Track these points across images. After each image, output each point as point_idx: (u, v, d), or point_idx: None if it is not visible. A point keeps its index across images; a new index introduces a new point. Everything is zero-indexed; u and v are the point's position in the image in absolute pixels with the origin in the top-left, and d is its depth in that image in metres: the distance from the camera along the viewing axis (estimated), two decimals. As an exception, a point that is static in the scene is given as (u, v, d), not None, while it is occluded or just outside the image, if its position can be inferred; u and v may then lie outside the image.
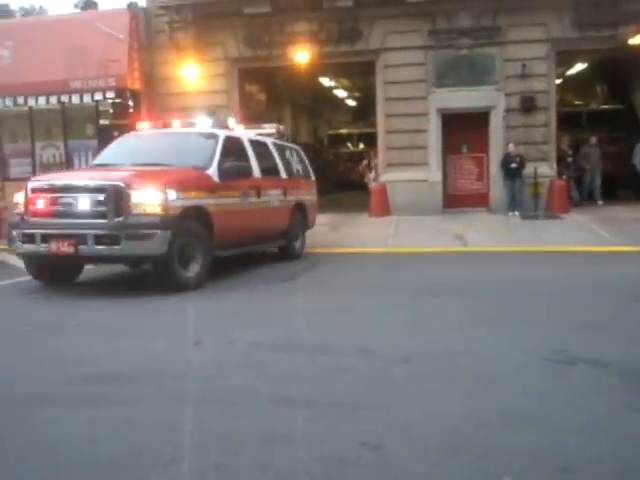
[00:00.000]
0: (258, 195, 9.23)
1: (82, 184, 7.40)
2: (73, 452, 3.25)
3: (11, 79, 15.61)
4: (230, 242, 8.38)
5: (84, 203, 7.21)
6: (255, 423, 3.53)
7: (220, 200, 8.17)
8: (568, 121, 17.85)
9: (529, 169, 15.27)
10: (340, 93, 27.71)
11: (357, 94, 27.56)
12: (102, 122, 16.75)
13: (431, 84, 16.02)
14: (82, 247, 7.02)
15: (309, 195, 11.46)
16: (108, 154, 9.23)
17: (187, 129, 9.59)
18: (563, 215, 14.68)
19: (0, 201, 15.11)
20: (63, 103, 15.99)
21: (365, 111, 25.84)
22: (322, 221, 15.16)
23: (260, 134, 10.63)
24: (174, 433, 3.43)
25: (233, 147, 9.03)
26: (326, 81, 23.94)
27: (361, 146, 27.35)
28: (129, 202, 7.02)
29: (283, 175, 10.41)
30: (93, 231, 7.03)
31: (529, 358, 4.64)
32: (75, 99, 15.78)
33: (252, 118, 18.68)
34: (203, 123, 9.68)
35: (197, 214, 7.72)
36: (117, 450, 3.27)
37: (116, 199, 7.05)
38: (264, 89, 20.64)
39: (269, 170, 9.91)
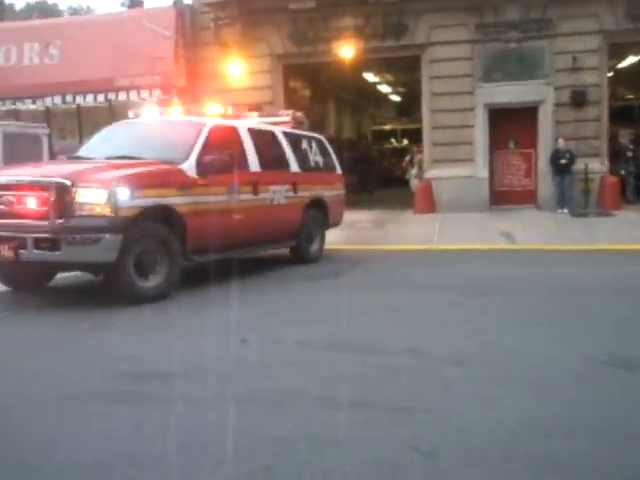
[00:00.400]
0: (255, 191, 8.25)
1: (25, 180, 6.57)
2: (120, 450, 3.23)
3: (60, 77, 15.89)
4: (213, 246, 7.44)
5: (26, 202, 6.38)
6: (304, 425, 3.46)
7: (197, 198, 7.22)
8: (620, 115, 17.37)
9: (579, 165, 14.91)
10: (384, 89, 27.53)
11: (401, 89, 27.34)
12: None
13: (478, 79, 15.75)
14: (22, 251, 6.22)
15: (332, 190, 10.39)
16: (90, 145, 8.46)
17: (176, 117, 8.79)
18: (615, 212, 14.28)
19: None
20: (110, 100, 16.21)
21: (410, 107, 25.64)
22: (365, 218, 15.08)
23: (275, 123, 9.74)
24: (222, 433, 3.37)
25: (224, 138, 8.09)
26: (370, 76, 23.80)
27: (405, 142, 27.13)
28: (73, 201, 6.16)
29: (294, 168, 9.36)
30: (33, 234, 6.21)
31: (586, 361, 4.47)
32: (122, 96, 15.99)
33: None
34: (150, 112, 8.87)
35: (162, 215, 6.82)
36: (164, 449, 3.23)
37: (59, 198, 6.18)
38: (308, 85, 20.65)
39: (274, 163, 8.97)
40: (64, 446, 3.29)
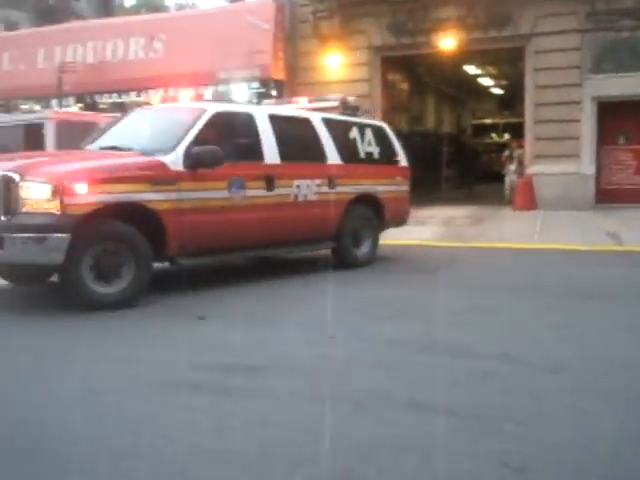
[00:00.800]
0: (269, 187, 7.36)
1: None
2: (201, 443, 3.20)
3: (163, 71, 16.35)
4: (207, 247, 6.86)
5: None
6: (386, 428, 3.31)
7: (183, 195, 6.47)
8: None
9: (697, 162, 13.94)
10: (486, 81, 26.81)
11: (503, 82, 26.54)
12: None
13: (586, 70, 15.00)
14: None
15: (390, 185, 9.18)
16: (104, 135, 7.82)
17: (184, 104, 8.06)
18: None
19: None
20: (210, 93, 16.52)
21: (512, 100, 24.87)
22: (463, 214, 14.70)
23: (320, 108, 8.85)
24: (302, 432, 3.29)
25: (231, 126, 7.35)
26: (471, 69, 23.21)
27: (506, 137, 26.35)
28: (19, 196, 5.65)
29: (332, 159, 8.30)
30: None
31: (700, 376, 4.09)
32: (222, 89, 16.26)
33: (394, 107, 18.50)
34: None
35: (130, 213, 6.14)
36: (244, 445, 3.17)
37: (7, 192, 5.72)
38: (407, 78, 20.38)
39: (303, 154, 8.06)
40: (148, 435, 3.30)
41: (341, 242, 8.36)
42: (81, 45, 18.03)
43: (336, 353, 4.74)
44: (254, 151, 7.39)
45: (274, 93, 16.70)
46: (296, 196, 7.74)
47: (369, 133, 9.00)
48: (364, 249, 8.70)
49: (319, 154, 8.20)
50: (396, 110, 19.20)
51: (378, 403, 3.69)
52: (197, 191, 6.63)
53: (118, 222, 6.03)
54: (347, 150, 8.59)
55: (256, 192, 7.25)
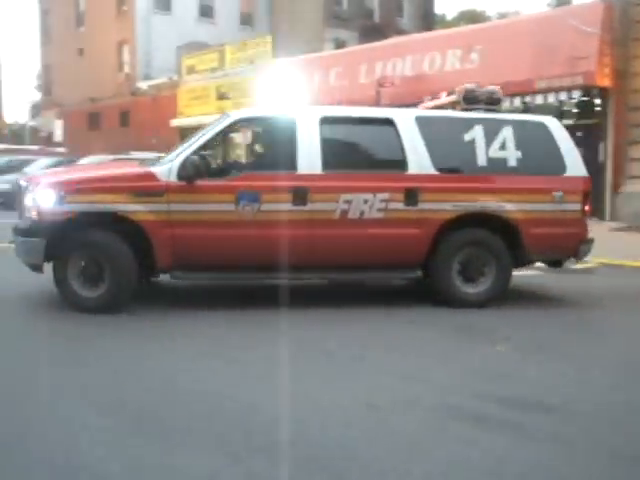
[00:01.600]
0: (299, 200, 6.38)
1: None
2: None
3: (477, 81, 16.10)
4: (206, 263, 6.46)
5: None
6: None
7: (173, 206, 6.24)
8: None
9: None
10: None
11: None
12: (565, 122, 16.12)
13: None
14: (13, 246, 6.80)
15: (535, 203, 6.83)
16: None
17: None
18: None
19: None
20: (526, 104, 15.86)
21: None
22: None
23: (432, 106, 7.61)
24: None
25: (258, 134, 7.01)
26: None
27: None
28: (23, 203, 6.52)
29: (416, 168, 6.65)
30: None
31: None
32: (539, 99, 15.52)
33: None
34: None
35: (115, 223, 6.23)
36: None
37: (20, 199, 6.67)
38: None
39: (366, 162, 6.88)
40: (419, 464, 3.14)
41: (435, 273, 6.73)
42: (400, 59, 18.66)
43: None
44: (284, 160, 6.59)
45: (598, 101, 15.46)
46: (344, 212, 6.51)
47: (508, 132, 6.91)
48: (481, 286, 6.76)
49: (395, 162, 6.74)
50: None
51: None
52: (192, 203, 6.35)
53: (97, 231, 6.31)
54: (453, 156, 6.87)
55: (277, 206, 6.43)
